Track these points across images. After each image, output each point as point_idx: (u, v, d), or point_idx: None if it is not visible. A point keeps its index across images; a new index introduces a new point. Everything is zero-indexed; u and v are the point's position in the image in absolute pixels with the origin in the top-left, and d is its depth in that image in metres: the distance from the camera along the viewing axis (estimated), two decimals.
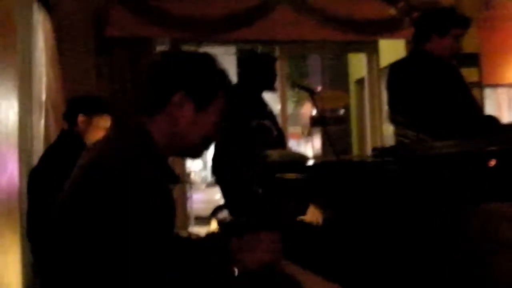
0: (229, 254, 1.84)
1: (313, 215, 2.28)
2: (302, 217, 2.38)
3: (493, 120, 3.40)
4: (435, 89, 3.30)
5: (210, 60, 1.90)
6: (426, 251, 1.65)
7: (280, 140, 4.59)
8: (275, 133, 4.41)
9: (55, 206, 1.72)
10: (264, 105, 4.68)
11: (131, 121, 1.85)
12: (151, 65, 1.91)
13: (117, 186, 1.60)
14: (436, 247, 1.62)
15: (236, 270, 1.79)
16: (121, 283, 1.59)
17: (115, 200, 1.59)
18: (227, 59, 15.18)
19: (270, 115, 4.67)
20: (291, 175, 2.69)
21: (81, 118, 3.63)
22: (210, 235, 2.00)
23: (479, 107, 3.63)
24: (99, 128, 3.62)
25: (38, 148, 4.58)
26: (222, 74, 1.90)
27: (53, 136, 4.53)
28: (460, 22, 3.47)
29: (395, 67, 3.61)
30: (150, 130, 1.81)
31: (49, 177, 3.24)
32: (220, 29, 6.69)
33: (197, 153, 1.96)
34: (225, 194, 4.69)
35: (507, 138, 1.82)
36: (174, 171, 1.89)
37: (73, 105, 3.75)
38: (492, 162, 1.52)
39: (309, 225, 2.29)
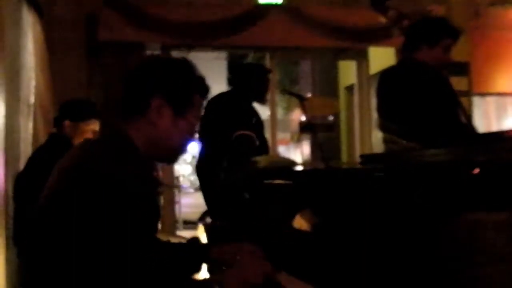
0: (210, 263, 1.84)
1: (300, 222, 2.28)
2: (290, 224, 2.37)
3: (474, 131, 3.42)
4: (423, 97, 3.29)
5: (188, 65, 1.93)
6: (414, 260, 1.65)
7: (263, 149, 4.58)
8: (257, 142, 4.40)
9: (36, 208, 1.73)
10: (252, 114, 4.66)
11: (110, 125, 1.87)
12: (130, 71, 1.93)
13: (96, 189, 1.61)
14: (425, 256, 1.62)
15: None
16: (100, 283, 1.60)
17: (93, 203, 1.60)
18: (218, 64, 15.19)
19: (257, 124, 4.64)
20: (279, 181, 2.68)
21: (67, 123, 3.63)
22: (192, 240, 2.01)
23: (468, 117, 3.62)
24: (87, 132, 3.61)
25: (26, 151, 4.56)
26: (200, 80, 1.94)
27: (42, 139, 4.52)
28: (450, 32, 3.45)
29: (385, 75, 3.60)
30: (130, 134, 1.84)
31: (36, 180, 3.22)
32: (211, 35, 6.70)
33: (173, 158, 2.00)
34: (207, 199, 4.68)
35: (495, 147, 1.83)
36: (155, 175, 1.91)
37: (61, 111, 3.75)
38: (476, 171, 1.52)
39: (296, 232, 2.28)
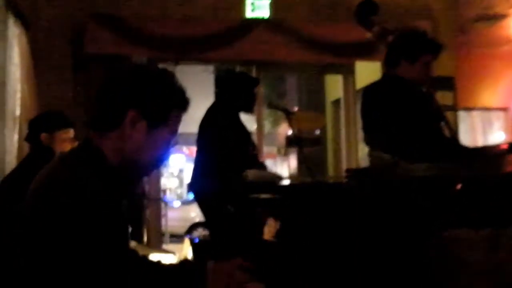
0: (204, 280, 1.80)
1: (270, 229, 2.29)
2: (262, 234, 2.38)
3: (462, 146, 3.44)
4: (403, 112, 3.31)
5: (167, 77, 1.86)
6: (398, 271, 1.65)
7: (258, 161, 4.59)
8: (262, 162, 4.41)
9: (14, 220, 1.73)
10: (241, 125, 4.66)
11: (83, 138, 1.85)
12: (106, 81, 1.86)
13: (61, 204, 1.61)
14: (409, 268, 1.63)
15: None
16: None
17: (59, 218, 1.60)
18: (205, 77, 15.18)
19: (247, 135, 4.65)
20: (265, 195, 2.68)
21: (43, 135, 3.62)
22: (184, 262, 1.98)
23: (453, 131, 3.64)
24: (65, 141, 3.60)
25: (11, 163, 4.54)
26: (179, 92, 1.86)
27: (27, 152, 4.50)
28: (430, 48, 3.45)
29: (367, 91, 3.63)
30: (101, 147, 1.79)
31: (19, 192, 3.20)
32: (198, 49, 6.71)
33: (146, 171, 1.95)
34: (204, 212, 4.67)
35: (475, 164, 1.84)
36: (132, 186, 1.88)
37: (33, 126, 3.73)
38: (458, 186, 1.53)
39: (283, 246, 2.28)
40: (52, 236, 1.60)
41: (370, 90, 3.61)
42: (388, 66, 3.55)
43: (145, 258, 2.01)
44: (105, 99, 1.83)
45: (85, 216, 1.61)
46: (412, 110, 3.34)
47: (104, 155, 1.78)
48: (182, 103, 1.87)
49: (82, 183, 1.65)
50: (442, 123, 3.46)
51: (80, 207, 1.61)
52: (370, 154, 3.43)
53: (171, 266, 1.96)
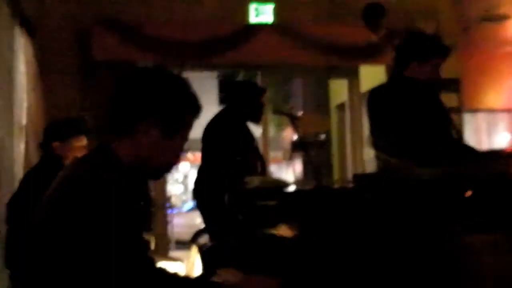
0: None
1: (284, 231, 2.28)
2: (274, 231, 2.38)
3: (470, 148, 3.44)
4: (414, 115, 3.30)
5: (181, 84, 1.88)
6: (407, 280, 1.65)
7: (262, 168, 4.60)
8: (259, 169, 4.41)
9: (30, 226, 1.74)
10: (248, 133, 4.67)
11: (98, 142, 1.88)
12: (119, 86, 1.89)
13: (82, 203, 1.64)
14: (417, 276, 1.62)
15: None
16: None
17: (81, 215, 1.63)
18: (209, 83, 15.18)
19: (252, 143, 4.66)
20: (271, 202, 2.68)
21: (56, 144, 3.62)
22: (202, 277, 1.99)
23: (459, 133, 3.64)
24: (78, 149, 3.59)
25: (18, 172, 4.55)
26: (192, 99, 1.89)
27: (34, 160, 4.51)
28: (440, 51, 3.47)
29: (375, 93, 3.62)
30: (116, 150, 1.82)
31: (29, 203, 3.21)
32: (203, 53, 6.71)
33: (159, 176, 1.99)
34: (206, 219, 4.68)
35: (486, 167, 1.84)
36: (145, 191, 1.91)
37: (47, 133, 3.74)
38: (469, 193, 1.53)
39: (291, 252, 2.28)
40: (74, 238, 1.62)
41: (378, 92, 3.60)
42: (397, 68, 3.55)
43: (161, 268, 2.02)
44: (118, 106, 1.86)
45: (108, 216, 1.64)
46: (423, 111, 3.34)
47: (118, 157, 1.81)
48: (194, 110, 1.90)
49: (101, 183, 1.69)
50: (449, 125, 3.46)
51: (101, 208, 1.64)
52: (377, 157, 3.43)
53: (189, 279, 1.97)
